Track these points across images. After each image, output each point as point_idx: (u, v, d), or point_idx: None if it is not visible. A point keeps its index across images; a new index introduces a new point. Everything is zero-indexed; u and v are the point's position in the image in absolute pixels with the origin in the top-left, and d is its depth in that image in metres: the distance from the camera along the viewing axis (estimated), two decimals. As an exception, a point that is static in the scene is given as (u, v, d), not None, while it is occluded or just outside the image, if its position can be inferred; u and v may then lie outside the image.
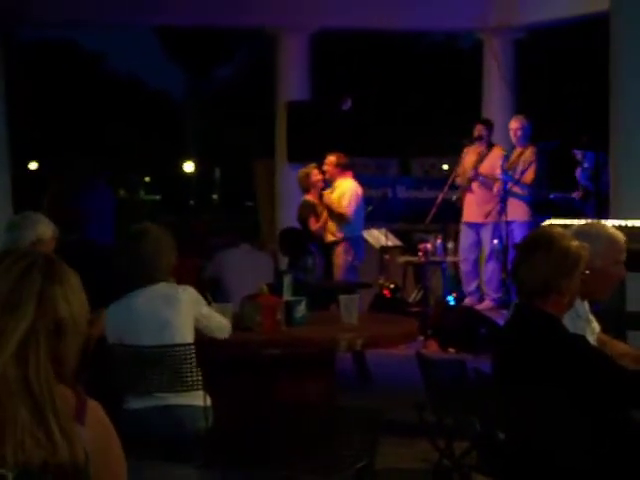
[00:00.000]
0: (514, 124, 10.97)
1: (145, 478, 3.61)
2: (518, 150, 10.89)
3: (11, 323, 2.10)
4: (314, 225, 10.23)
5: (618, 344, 4.48)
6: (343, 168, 10.48)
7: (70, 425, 2.07)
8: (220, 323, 5.16)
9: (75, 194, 10.01)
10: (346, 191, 10.37)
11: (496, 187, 10.83)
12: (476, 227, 11.18)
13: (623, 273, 4.39)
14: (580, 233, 4.22)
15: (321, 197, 10.43)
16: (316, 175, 10.44)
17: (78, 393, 2.14)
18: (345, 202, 10.31)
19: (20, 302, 2.12)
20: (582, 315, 4.24)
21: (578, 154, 10.64)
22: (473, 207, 11.12)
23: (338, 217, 10.31)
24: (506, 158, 10.98)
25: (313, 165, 10.81)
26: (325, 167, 10.50)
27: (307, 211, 10.31)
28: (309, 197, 10.42)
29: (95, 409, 2.17)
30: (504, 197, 10.67)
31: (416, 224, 11.91)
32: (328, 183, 10.52)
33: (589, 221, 4.82)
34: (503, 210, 10.58)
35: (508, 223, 10.55)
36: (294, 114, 12.59)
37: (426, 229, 11.50)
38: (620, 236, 4.39)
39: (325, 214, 10.38)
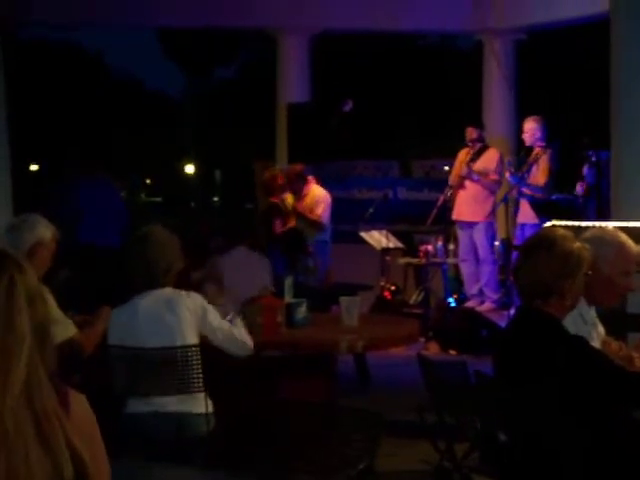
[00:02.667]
0: (530, 125, 10.86)
1: (145, 479, 3.60)
2: (536, 151, 10.80)
3: (13, 344, 1.99)
4: (279, 228, 10.06)
5: (614, 344, 4.45)
6: (298, 179, 10.16)
7: (68, 440, 2.03)
8: (238, 340, 4.95)
9: (64, 194, 9.92)
10: (319, 199, 10.15)
11: (490, 181, 10.85)
12: (467, 226, 11.16)
13: (632, 286, 4.29)
14: (593, 237, 4.18)
15: (283, 201, 10.15)
16: (282, 179, 10.28)
17: (58, 386, 2.09)
18: (320, 210, 10.07)
19: (12, 316, 2.01)
20: (588, 320, 4.20)
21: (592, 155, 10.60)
22: (463, 205, 11.10)
23: (312, 225, 10.04)
24: (510, 162, 10.96)
25: (279, 168, 10.73)
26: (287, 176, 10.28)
27: (272, 213, 10.09)
28: (274, 199, 10.15)
29: (78, 400, 2.14)
30: (505, 198, 10.67)
31: (417, 226, 11.90)
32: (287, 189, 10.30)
33: (602, 225, 4.76)
34: (515, 211, 10.60)
35: (520, 225, 10.56)
36: (295, 116, 12.57)
37: (427, 231, 11.49)
38: (633, 247, 4.30)
39: (292, 219, 10.08)
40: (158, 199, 49.16)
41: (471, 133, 11.17)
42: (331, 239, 10.42)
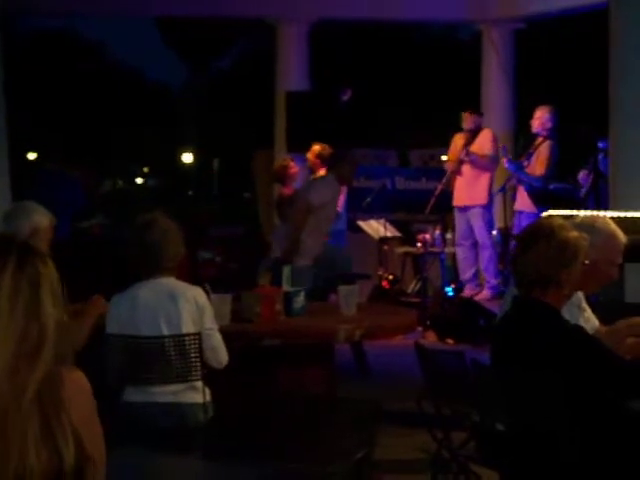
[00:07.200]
0: (542, 112, 10.76)
1: (144, 468, 3.60)
2: (538, 140, 10.75)
3: (38, 336, 2.02)
4: None
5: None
6: (323, 161, 9.94)
7: (74, 431, 2.04)
8: (218, 349, 4.85)
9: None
10: None
11: (487, 160, 10.84)
12: (465, 210, 11.15)
13: (615, 275, 4.33)
14: (583, 224, 4.20)
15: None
16: (293, 167, 10.19)
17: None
18: None
19: (7, 307, 2.03)
20: (583, 310, 4.24)
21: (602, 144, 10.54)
22: (463, 190, 11.10)
23: None
24: (505, 147, 10.93)
25: (289, 157, 10.67)
26: (308, 155, 10.10)
27: (284, 206, 9.96)
28: (286, 190, 10.07)
29: (75, 380, 2.14)
30: (503, 188, 10.66)
31: (415, 215, 11.90)
32: (310, 172, 10.17)
33: (594, 213, 4.79)
34: (513, 199, 10.57)
35: (517, 213, 10.57)
36: (293, 104, 12.56)
37: (425, 220, 11.49)
38: (621, 237, 4.33)
39: None
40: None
41: (468, 122, 11.13)
42: (347, 227, 10.38)
